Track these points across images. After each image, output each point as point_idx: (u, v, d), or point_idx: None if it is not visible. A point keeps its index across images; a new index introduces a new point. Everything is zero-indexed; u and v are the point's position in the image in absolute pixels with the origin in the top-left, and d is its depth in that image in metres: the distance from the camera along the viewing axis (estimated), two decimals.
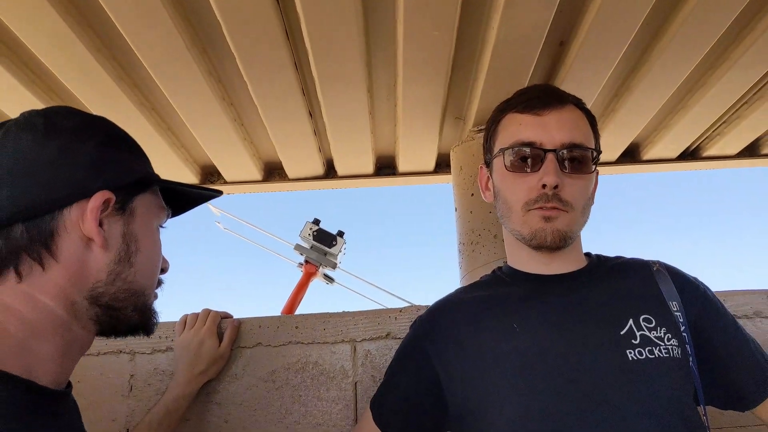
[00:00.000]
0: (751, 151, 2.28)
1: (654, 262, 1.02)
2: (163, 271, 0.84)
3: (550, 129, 0.97)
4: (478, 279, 1.13)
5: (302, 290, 1.57)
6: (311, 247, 1.53)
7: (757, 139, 2.21)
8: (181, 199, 0.90)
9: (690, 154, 2.24)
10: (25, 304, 0.68)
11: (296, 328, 1.41)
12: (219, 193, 0.91)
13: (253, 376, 1.38)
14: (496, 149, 1.03)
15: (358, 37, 1.30)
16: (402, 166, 2.03)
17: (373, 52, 1.41)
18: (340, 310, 1.49)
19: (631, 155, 2.21)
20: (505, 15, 1.19)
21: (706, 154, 2.22)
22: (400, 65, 1.39)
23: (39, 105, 1.59)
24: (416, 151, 1.91)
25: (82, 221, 0.70)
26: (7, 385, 0.61)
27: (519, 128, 1.00)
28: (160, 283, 0.84)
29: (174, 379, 1.22)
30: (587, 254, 1.08)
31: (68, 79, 1.51)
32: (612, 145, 2.10)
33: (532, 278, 1.02)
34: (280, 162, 1.98)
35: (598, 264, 1.04)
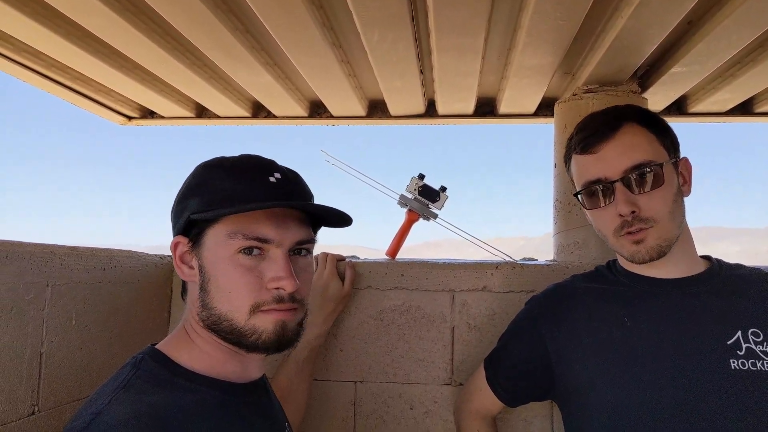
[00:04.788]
0: None
1: None
2: (282, 289, 0.83)
3: (609, 161, 1.00)
4: (592, 269, 1.20)
5: (405, 235, 1.72)
6: (415, 200, 1.65)
7: None
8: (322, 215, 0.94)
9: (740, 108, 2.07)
10: (195, 324, 0.87)
11: (402, 275, 1.57)
12: (344, 218, 0.94)
13: (364, 313, 1.57)
14: (575, 189, 1.11)
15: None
16: (502, 109, 2.04)
17: (497, 7, 1.35)
18: (441, 261, 1.64)
19: (678, 108, 2.07)
20: (637, 9, 1.14)
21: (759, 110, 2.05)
22: (522, 31, 1.36)
23: (154, 47, 1.58)
24: (519, 97, 1.91)
25: None
26: (211, 386, 0.82)
27: (583, 169, 1.05)
28: (276, 300, 0.83)
29: (310, 321, 1.30)
30: (707, 258, 1.10)
31: (191, 36, 1.49)
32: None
33: (648, 280, 1.06)
34: (383, 99, 2.04)
35: (717, 271, 1.06)
